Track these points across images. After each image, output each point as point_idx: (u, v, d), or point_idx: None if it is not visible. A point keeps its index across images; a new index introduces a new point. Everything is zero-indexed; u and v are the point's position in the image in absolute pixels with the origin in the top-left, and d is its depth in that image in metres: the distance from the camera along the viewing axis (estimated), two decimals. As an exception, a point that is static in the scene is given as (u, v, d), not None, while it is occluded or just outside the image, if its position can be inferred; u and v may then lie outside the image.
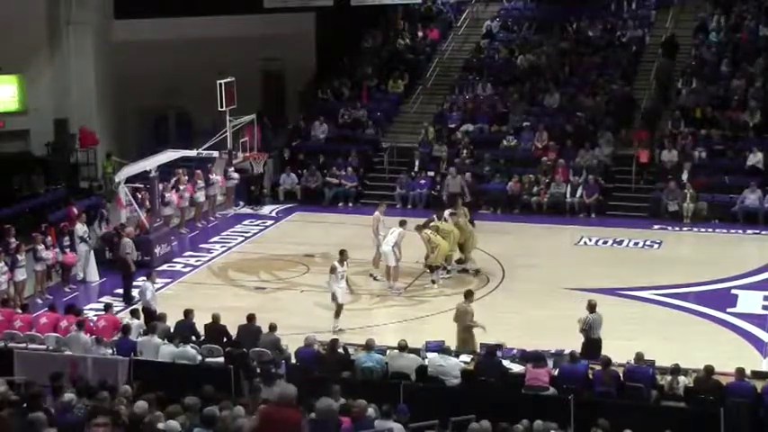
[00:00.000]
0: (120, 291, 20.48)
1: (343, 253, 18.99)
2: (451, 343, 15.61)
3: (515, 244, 24.09)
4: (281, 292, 20.93)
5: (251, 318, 16.19)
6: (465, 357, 15.16)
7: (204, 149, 24.18)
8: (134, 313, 17.10)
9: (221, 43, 29.83)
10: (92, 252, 21.75)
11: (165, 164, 24.45)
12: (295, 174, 29.18)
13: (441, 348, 15.19)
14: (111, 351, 15.53)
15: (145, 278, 18.80)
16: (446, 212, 21.95)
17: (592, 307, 15.93)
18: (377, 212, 22.01)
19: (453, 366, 14.59)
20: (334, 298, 18.49)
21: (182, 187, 25.32)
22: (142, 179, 24.14)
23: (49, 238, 20.94)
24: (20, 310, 17.69)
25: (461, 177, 26.54)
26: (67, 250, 21.16)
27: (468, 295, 16.99)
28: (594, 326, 15.76)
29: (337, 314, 18.38)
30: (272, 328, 15.83)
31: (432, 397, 13.89)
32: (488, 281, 21.22)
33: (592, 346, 15.55)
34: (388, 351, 15.18)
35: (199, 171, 26.26)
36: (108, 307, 17.54)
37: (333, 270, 18.52)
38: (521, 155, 29.01)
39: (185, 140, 28.24)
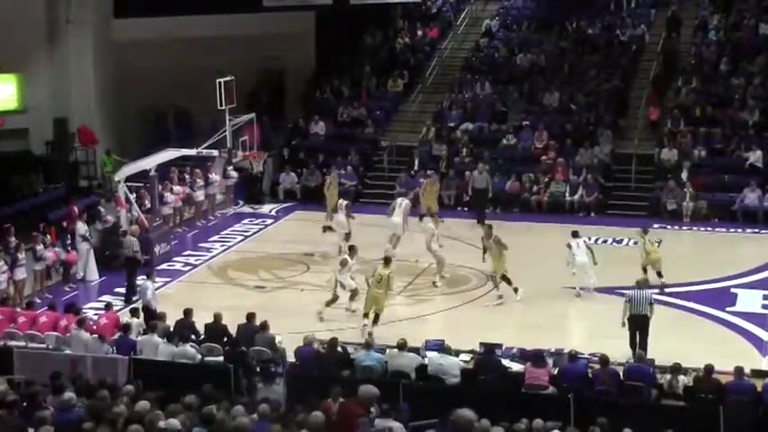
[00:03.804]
0: (120, 289, 20.50)
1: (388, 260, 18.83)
2: (451, 342, 15.56)
3: (515, 243, 24.00)
4: (280, 291, 20.92)
5: (250, 317, 16.19)
6: (464, 356, 15.17)
7: (204, 148, 24.19)
8: (134, 312, 17.12)
9: (221, 42, 29.82)
10: (92, 251, 21.74)
11: (164, 163, 24.48)
12: (294, 173, 29.18)
13: (440, 347, 15.19)
14: (112, 349, 15.54)
15: (145, 277, 18.80)
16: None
17: (639, 284, 16.93)
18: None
19: (453, 365, 14.60)
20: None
21: (175, 188, 25.31)
22: (142, 178, 24.15)
23: (49, 237, 20.93)
24: (20, 309, 17.71)
25: (487, 174, 26.63)
26: (69, 248, 21.17)
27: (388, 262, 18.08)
28: (634, 302, 16.41)
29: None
30: (264, 326, 15.80)
31: (431, 396, 13.87)
32: (488, 280, 21.20)
33: (631, 321, 16.37)
34: (387, 350, 15.18)
35: (198, 170, 26.27)
36: (108, 306, 17.55)
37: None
38: (520, 154, 29.03)
39: (185, 139, 28.23)
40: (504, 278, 19.74)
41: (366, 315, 17.67)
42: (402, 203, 22.32)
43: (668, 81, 30.75)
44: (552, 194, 27.21)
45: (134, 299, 19.26)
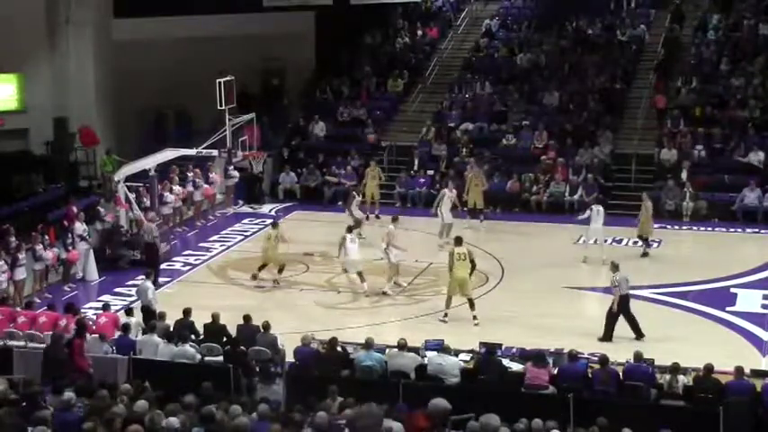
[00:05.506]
0: (120, 289, 20.55)
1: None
2: (450, 341, 15.57)
3: (514, 243, 24.11)
4: (280, 290, 20.91)
5: (247, 317, 16.18)
6: (464, 356, 15.16)
7: (204, 148, 24.20)
8: (131, 311, 17.11)
9: (221, 42, 29.86)
10: (91, 251, 21.75)
11: (164, 162, 24.50)
12: (294, 172, 29.19)
13: (440, 347, 15.18)
14: (112, 349, 15.53)
15: (144, 277, 18.80)
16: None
17: (615, 267, 17.69)
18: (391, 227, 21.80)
19: (453, 365, 14.58)
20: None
21: (175, 188, 25.33)
22: (142, 178, 24.16)
23: (48, 237, 20.92)
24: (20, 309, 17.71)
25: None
26: (70, 247, 21.18)
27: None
28: (623, 284, 17.41)
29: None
30: (266, 327, 15.80)
31: (431, 396, 13.80)
32: (487, 280, 21.21)
33: (620, 302, 17.39)
34: (387, 350, 15.17)
35: (198, 170, 26.28)
36: (106, 307, 17.54)
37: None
38: (520, 154, 29.04)
39: (185, 139, 28.25)
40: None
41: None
42: (444, 196, 23.53)
43: (672, 69, 30.97)
44: (552, 194, 27.21)
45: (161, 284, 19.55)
